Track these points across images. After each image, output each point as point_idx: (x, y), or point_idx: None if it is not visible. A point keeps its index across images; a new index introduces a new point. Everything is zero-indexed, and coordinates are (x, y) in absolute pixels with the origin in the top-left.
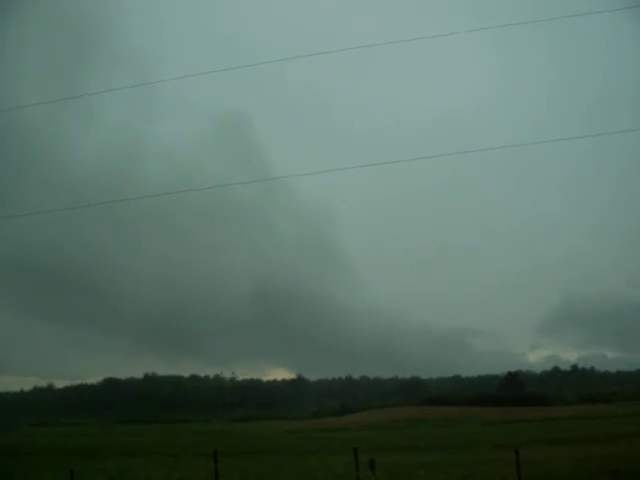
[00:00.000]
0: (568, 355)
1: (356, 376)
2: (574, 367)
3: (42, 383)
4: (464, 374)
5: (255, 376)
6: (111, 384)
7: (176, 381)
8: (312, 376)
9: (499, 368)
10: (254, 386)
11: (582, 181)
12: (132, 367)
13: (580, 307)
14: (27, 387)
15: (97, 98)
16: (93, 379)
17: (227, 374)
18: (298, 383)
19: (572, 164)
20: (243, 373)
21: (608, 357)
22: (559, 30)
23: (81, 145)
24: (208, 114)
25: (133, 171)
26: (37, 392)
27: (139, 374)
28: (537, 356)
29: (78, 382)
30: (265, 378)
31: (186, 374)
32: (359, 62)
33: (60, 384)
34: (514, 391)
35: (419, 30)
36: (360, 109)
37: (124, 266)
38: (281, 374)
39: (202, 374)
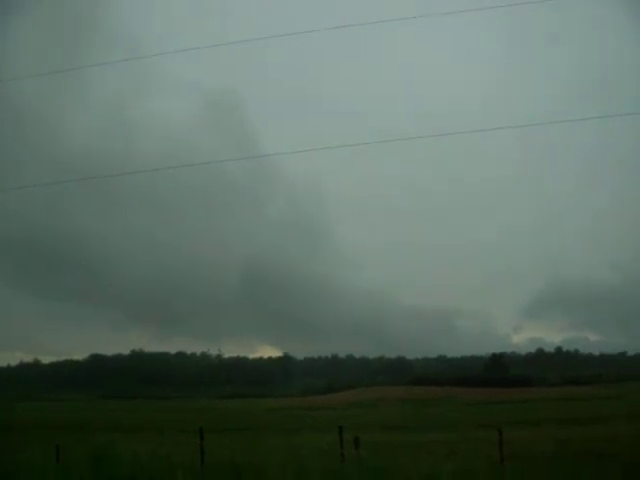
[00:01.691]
0: (552, 337)
1: (342, 355)
2: (558, 349)
3: (28, 358)
4: (449, 355)
5: (241, 354)
6: (97, 360)
7: (163, 358)
8: (298, 354)
9: (484, 349)
10: (240, 364)
11: (572, 164)
12: (119, 343)
13: (564, 290)
14: (13, 362)
15: (91, 74)
16: (79, 355)
17: (213, 351)
18: (284, 361)
19: (557, 146)
20: (229, 350)
21: (590, 340)
22: (565, 9)
23: (73, 120)
24: (201, 91)
25: (124, 147)
26: (23, 367)
27: (125, 350)
28: (522, 338)
29: (64, 358)
30: (251, 356)
31: (173, 351)
32: (356, 39)
33: (46, 359)
34: (498, 372)
35: (422, 8)
36: (357, 87)
37: (112, 242)
38: (268, 352)
39: (189, 351)
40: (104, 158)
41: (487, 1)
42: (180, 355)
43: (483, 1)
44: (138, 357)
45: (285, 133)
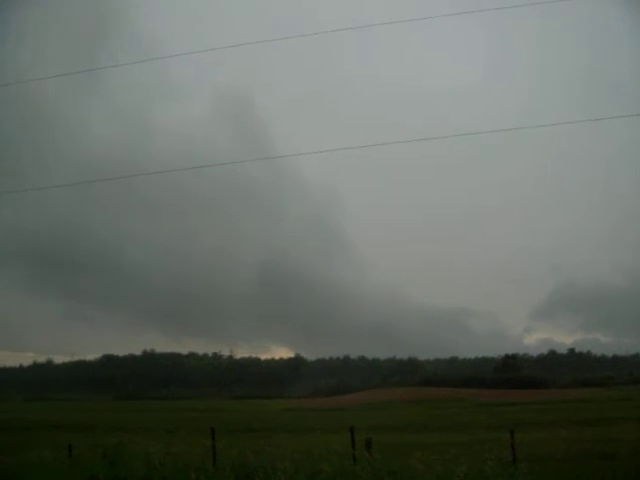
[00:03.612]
0: (564, 339)
1: (354, 356)
2: (571, 351)
3: (41, 359)
4: (461, 356)
5: (253, 354)
6: (110, 361)
7: (174, 358)
8: (310, 355)
9: (496, 350)
10: (252, 364)
11: (584, 168)
12: (131, 344)
13: (576, 292)
14: (26, 363)
15: (110, 76)
16: (92, 355)
17: (225, 352)
18: (296, 362)
19: (565, 149)
20: (241, 351)
21: (602, 342)
22: (554, 12)
23: (91, 124)
24: (218, 92)
25: (142, 149)
26: (36, 368)
27: (137, 351)
28: (533, 339)
29: (77, 358)
30: (263, 356)
31: (184, 351)
32: (368, 41)
33: (59, 360)
34: (510, 373)
35: (418, 11)
36: (371, 88)
37: (126, 243)
38: (279, 353)
39: (200, 352)
40: (124, 159)
41: (489, 3)
42: (192, 356)
43: (485, 3)
44: (150, 358)
45: (302, 135)
